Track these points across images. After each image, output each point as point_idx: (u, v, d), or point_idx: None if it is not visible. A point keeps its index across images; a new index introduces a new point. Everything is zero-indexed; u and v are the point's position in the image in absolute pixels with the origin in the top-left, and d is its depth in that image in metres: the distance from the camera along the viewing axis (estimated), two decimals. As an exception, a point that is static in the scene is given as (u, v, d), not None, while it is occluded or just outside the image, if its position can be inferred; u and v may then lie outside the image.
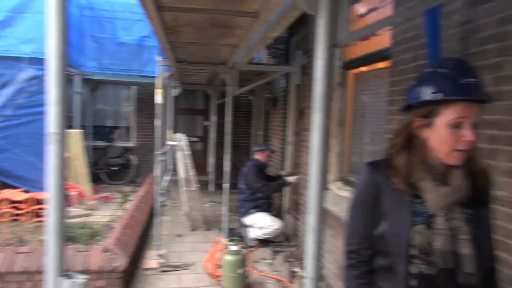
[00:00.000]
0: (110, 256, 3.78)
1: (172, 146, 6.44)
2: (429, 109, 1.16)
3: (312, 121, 1.41)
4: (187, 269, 4.66)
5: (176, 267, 4.65)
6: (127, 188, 7.91)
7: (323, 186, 1.42)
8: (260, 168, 5.67)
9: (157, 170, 5.02)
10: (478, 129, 1.14)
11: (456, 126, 1.12)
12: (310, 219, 1.44)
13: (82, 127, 8.07)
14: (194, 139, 9.66)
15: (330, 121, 4.33)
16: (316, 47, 1.40)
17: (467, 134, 1.11)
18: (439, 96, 1.12)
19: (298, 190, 5.49)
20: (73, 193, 6.21)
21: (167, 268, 4.59)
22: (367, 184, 1.27)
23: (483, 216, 1.21)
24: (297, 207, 5.53)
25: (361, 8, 3.88)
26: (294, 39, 5.81)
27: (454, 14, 2.30)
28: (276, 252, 5.10)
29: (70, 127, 7.69)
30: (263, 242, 5.38)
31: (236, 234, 5.62)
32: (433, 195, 1.16)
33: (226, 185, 5.14)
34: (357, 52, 3.91)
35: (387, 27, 2.81)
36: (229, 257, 4.06)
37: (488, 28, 2.07)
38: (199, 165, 9.68)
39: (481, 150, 2.14)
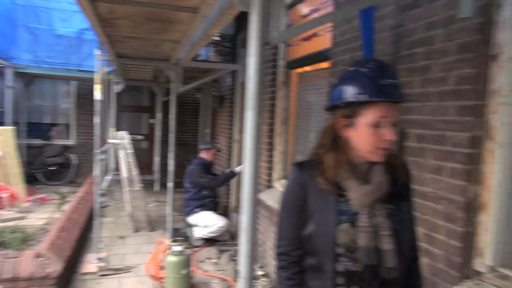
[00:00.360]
0: (43, 262, 3.55)
1: (114, 144, 6.18)
2: (352, 110, 1.18)
3: (245, 119, 1.39)
4: (129, 272, 4.51)
5: (117, 270, 4.48)
6: (65, 189, 7.50)
7: (256, 185, 1.41)
8: (206, 166, 5.60)
9: (97, 170, 4.79)
10: (396, 127, 1.19)
11: (377, 125, 1.16)
12: (243, 218, 1.42)
13: (15, 124, 7.51)
14: (139, 137, 9.37)
15: (274, 120, 4.34)
16: (249, 44, 1.38)
17: (387, 133, 1.15)
18: (364, 97, 1.14)
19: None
20: (3, 194, 5.77)
21: (107, 272, 4.40)
22: (294, 185, 1.28)
23: (404, 210, 1.25)
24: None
25: (304, 9, 3.94)
26: (240, 37, 5.80)
27: (387, 18, 2.39)
28: (222, 251, 5.08)
29: (1, 123, 7.14)
30: (209, 241, 5.33)
31: (181, 234, 5.52)
32: (356, 194, 1.19)
33: (170, 185, 5.02)
34: (301, 52, 3.97)
35: (320, 26, 2.87)
36: (172, 258, 3.96)
37: (417, 32, 2.17)
38: (145, 164, 9.39)
39: (410, 148, 2.26)
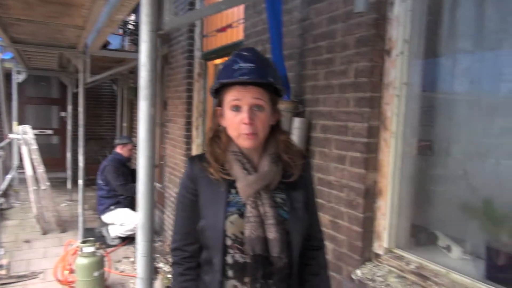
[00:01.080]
0: None
1: (17, 139, 5.61)
2: (219, 98, 1.21)
3: (139, 110, 1.30)
4: (36, 278, 4.15)
5: (21, 278, 4.09)
6: (-41, 191, 6.67)
7: (153, 179, 1.33)
8: (121, 163, 5.33)
9: (-6, 168, 4.31)
10: (264, 112, 1.17)
11: (236, 110, 1.16)
12: (139, 215, 1.34)
13: None
14: (49, 131, 8.64)
15: (191, 112, 4.23)
16: (140, 30, 1.29)
17: (243, 116, 1.15)
18: (217, 82, 1.17)
19: (164, 183, 5.32)
20: None
21: (8, 280, 4.00)
22: (187, 179, 1.25)
23: (297, 199, 1.25)
24: (163, 200, 5.36)
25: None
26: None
27: (294, 11, 2.44)
28: (140, 249, 4.88)
29: None
30: (126, 240, 5.09)
31: (97, 233, 5.22)
32: (241, 184, 1.18)
33: (81, 182, 4.69)
34: (216, 43, 3.92)
35: (216, 14, 2.84)
36: (82, 260, 3.71)
37: (321, 26, 2.23)
38: (56, 160, 8.71)
39: (316, 139, 2.33)
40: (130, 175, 5.25)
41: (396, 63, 1.90)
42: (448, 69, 1.86)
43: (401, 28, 1.88)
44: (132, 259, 4.68)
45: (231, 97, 1.16)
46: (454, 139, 1.87)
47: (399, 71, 1.90)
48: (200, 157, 1.26)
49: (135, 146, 5.54)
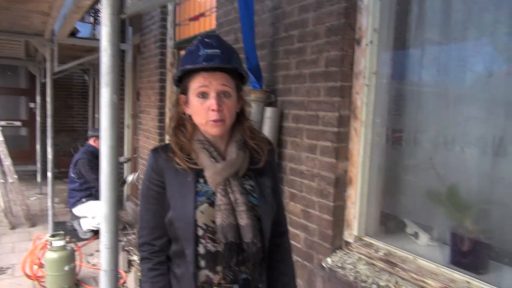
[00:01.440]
0: None
1: (-19, 131, 5.39)
2: (184, 85, 1.18)
3: (101, 97, 1.25)
4: (3, 273, 4.01)
5: (-13, 274, 3.95)
6: None
7: (117, 169, 1.29)
8: (95, 155, 5.19)
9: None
10: (230, 99, 1.16)
11: (203, 96, 1.14)
12: (103, 205, 1.30)
13: None
14: (17, 123, 8.34)
15: (164, 103, 4.15)
16: (102, 13, 1.24)
17: (211, 103, 1.13)
18: (182, 68, 1.15)
19: (138, 175, 5.23)
20: None
21: (-27, 276, 3.85)
22: (151, 171, 1.21)
23: (266, 185, 1.25)
24: (138, 193, 5.28)
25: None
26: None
27: (266, -1, 2.41)
28: (113, 242, 4.79)
29: None
30: (99, 233, 4.98)
31: (68, 227, 5.10)
32: (210, 172, 1.16)
33: (49, 174, 4.55)
34: (189, 32, 3.85)
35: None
36: (52, 255, 3.61)
37: (292, 15, 2.22)
38: (25, 153, 8.45)
39: (288, 129, 2.32)
40: None
41: (366, 53, 1.91)
42: (416, 59, 1.88)
43: (370, 18, 1.89)
44: (105, 253, 4.59)
45: (197, 84, 1.13)
46: (422, 128, 1.90)
47: (368, 61, 1.91)
48: (164, 148, 1.22)
49: None
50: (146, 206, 1.23)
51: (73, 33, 4.64)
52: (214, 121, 1.14)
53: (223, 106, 1.14)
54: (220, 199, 1.14)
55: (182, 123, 1.21)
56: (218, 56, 1.13)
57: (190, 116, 1.20)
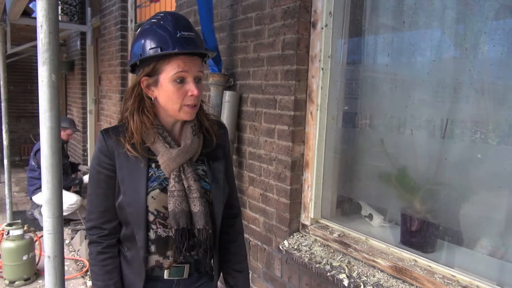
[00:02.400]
0: None
1: None
2: (153, 66, 1.11)
3: (39, 77, 1.19)
4: (-44, 266, 3.83)
5: None
6: None
7: (58, 152, 1.24)
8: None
9: None
10: (201, 83, 1.16)
11: (180, 81, 1.11)
12: (44, 191, 1.25)
13: None
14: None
15: (127, 87, 4.03)
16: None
17: (191, 88, 1.11)
18: (157, 51, 1.08)
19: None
20: None
21: None
22: (100, 154, 1.17)
23: (219, 169, 1.25)
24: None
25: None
26: (88, -5, 5.23)
27: (225, -20, 2.36)
28: (76, 231, 4.68)
29: None
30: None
31: (29, 216, 4.94)
32: (164, 158, 1.14)
33: (6, 162, 4.37)
34: (151, 14, 3.73)
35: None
36: (9, 244, 3.49)
37: (250, -4, 2.19)
38: (-18, 140, 8.06)
39: (247, 113, 2.31)
40: (66, 158, 4.98)
41: (321, 36, 1.91)
42: (370, 43, 1.90)
43: (326, 1, 1.88)
44: (66, 241, 4.48)
45: (175, 68, 1.09)
46: (375, 111, 1.93)
47: (324, 44, 1.91)
48: (114, 130, 1.18)
49: (74, 132, 5.15)
50: (96, 190, 1.19)
51: (28, 13, 4.41)
52: (191, 106, 1.12)
53: (200, 91, 1.13)
54: (173, 185, 1.13)
55: (144, 107, 1.16)
56: (194, 40, 1.10)
57: (152, 101, 1.16)
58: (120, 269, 1.23)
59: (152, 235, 1.16)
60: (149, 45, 1.09)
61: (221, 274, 1.37)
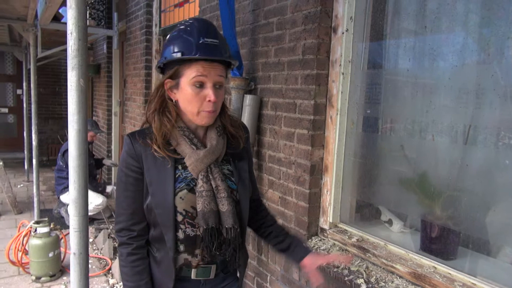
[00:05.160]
0: None
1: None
2: (175, 70, 1.15)
3: (68, 81, 1.25)
4: (-12, 260, 4.00)
5: (-28, 260, 3.94)
6: None
7: (85, 153, 1.30)
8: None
9: None
10: (223, 89, 1.19)
11: (199, 86, 1.14)
12: (71, 188, 1.31)
13: None
14: (3, 109, 8.26)
15: (150, 90, 4.12)
16: (68, -4, 1.23)
17: (208, 94, 1.13)
18: (178, 55, 1.12)
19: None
20: None
21: (-42, 262, 3.84)
22: (128, 157, 1.20)
23: (244, 169, 1.28)
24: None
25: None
26: (114, 1, 5.36)
27: (247, -14, 2.40)
28: (99, 230, 4.81)
29: None
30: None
31: (55, 214, 5.11)
32: (191, 160, 1.17)
33: (35, 161, 4.53)
34: (174, 19, 3.82)
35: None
36: (36, 241, 3.62)
37: (272, 1, 2.21)
38: (13, 140, 8.39)
39: (267, 116, 2.33)
40: (92, 157, 5.13)
41: (342, 41, 1.91)
42: (391, 47, 1.89)
43: (347, 6, 1.89)
44: (91, 240, 4.60)
45: (195, 72, 1.12)
46: (396, 116, 1.92)
47: (344, 49, 1.92)
48: (141, 133, 1.21)
49: (97, 134, 5.29)
50: (124, 193, 1.22)
51: (58, 19, 4.58)
52: (208, 111, 1.15)
53: (218, 97, 1.15)
54: (201, 185, 1.16)
55: (166, 108, 1.20)
56: (217, 47, 1.13)
57: (174, 103, 1.19)
58: (150, 270, 1.26)
59: (180, 235, 1.19)
60: (174, 50, 1.14)
61: (277, 249, 1.40)
